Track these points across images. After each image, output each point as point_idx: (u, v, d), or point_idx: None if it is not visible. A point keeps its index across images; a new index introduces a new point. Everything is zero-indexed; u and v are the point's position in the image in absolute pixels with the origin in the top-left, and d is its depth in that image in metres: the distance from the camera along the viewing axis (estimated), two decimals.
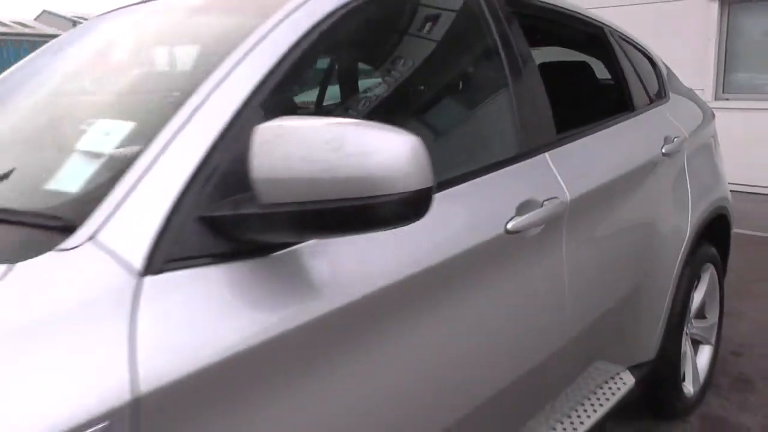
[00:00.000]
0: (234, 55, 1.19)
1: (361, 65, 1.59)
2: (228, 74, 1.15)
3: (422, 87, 1.76)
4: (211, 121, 1.09)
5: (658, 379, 2.42)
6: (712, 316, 2.83)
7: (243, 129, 1.10)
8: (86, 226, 0.96)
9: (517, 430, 1.75)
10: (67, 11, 50.03)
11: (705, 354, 2.80)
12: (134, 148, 1.07)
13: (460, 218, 1.42)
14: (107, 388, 0.86)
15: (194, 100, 1.11)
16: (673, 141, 2.46)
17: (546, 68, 2.44)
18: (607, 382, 2.19)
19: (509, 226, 1.51)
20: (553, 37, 2.66)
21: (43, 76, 1.63)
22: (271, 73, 1.18)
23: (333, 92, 1.49)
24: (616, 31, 2.58)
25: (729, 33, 7.25)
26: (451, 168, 1.48)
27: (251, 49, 1.20)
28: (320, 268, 1.13)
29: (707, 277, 2.72)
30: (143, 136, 1.09)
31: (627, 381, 2.22)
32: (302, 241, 1.10)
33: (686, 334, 2.58)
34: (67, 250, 0.94)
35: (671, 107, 2.70)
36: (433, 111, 1.68)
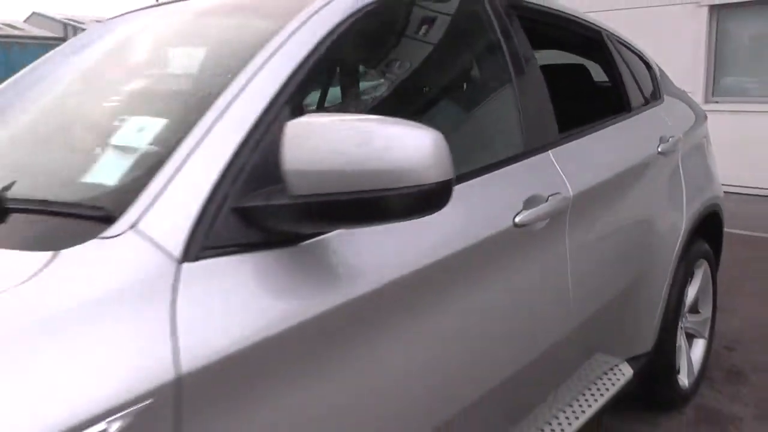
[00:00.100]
0: (260, 56, 1.26)
1: (378, 66, 1.66)
2: (255, 74, 1.22)
3: (434, 88, 1.84)
4: (241, 118, 1.15)
5: (655, 371, 2.50)
6: (706, 311, 2.91)
7: (270, 125, 1.16)
8: (127, 216, 1.02)
9: (521, 419, 1.82)
10: (57, 13, 49.77)
11: (699, 347, 2.88)
12: (167, 144, 1.13)
13: (472, 212, 1.49)
14: (152, 367, 0.91)
15: (224, 99, 1.17)
16: (668, 141, 2.54)
17: (545, 70, 2.51)
18: (606, 373, 2.27)
19: (517, 219, 1.59)
20: (554, 40, 2.74)
21: (70, 74, 1.69)
22: (295, 72, 1.25)
23: (353, 91, 1.55)
24: (613, 34, 2.67)
25: (718, 38, 7.39)
26: (463, 164, 1.55)
27: (276, 50, 1.27)
28: (345, 257, 1.19)
29: (701, 272, 2.81)
30: (176, 133, 1.15)
31: (626, 372, 2.29)
32: (329, 231, 1.17)
33: (681, 327, 2.67)
34: (109, 237, 1.00)
35: (665, 108, 2.79)
36: (445, 110, 1.76)
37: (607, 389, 2.18)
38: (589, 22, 2.52)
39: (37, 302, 0.89)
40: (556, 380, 1.96)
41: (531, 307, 1.70)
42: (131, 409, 0.88)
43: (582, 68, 2.95)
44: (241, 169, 1.11)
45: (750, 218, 5.76)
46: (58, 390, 0.83)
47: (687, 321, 2.76)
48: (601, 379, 2.23)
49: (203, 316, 0.99)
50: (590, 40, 2.57)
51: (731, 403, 2.75)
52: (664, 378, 2.57)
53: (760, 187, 7.02)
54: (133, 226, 1.01)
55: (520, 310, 1.65)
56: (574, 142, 2.00)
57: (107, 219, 1.03)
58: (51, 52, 1.86)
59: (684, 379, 2.70)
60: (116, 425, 0.86)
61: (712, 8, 7.34)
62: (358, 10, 1.43)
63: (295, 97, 1.23)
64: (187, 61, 1.50)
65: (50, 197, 1.15)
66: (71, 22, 49.78)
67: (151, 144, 1.18)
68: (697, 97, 7.13)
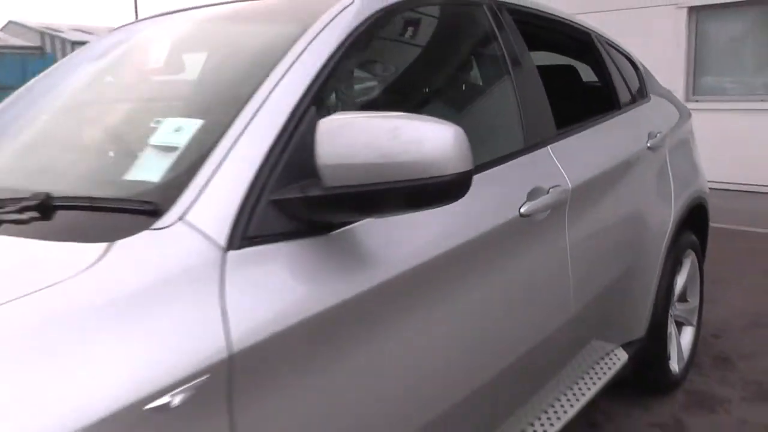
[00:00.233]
0: (286, 59, 1.35)
1: (393, 66, 1.76)
2: (283, 76, 1.31)
3: (443, 88, 1.95)
4: (273, 118, 1.25)
5: (648, 357, 2.62)
6: (694, 300, 3.04)
7: (299, 123, 1.26)
8: (175, 209, 1.11)
9: (527, 400, 1.92)
10: (34, 22, 49.34)
11: (687, 335, 3.00)
12: (206, 143, 1.22)
13: (481, 203, 1.59)
14: (208, 346, 1.00)
15: (256, 100, 1.27)
16: (656, 136, 2.67)
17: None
18: (603, 358, 2.38)
19: (522, 210, 1.70)
20: (547, 42, 2.86)
21: (103, 77, 1.78)
22: (320, 73, 1.35)
23: (371, 89, 1.66)
24: (602, 36, 2.79)
25: (698, 39, 7.59)
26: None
27: (301, 53, 1.36)
28: (370, 246, 1.29)
29: (688, 262, 2.94)
30: (213, 132, 1.24)
31: (621, 357, 2.41)
32: (358, 220, 1.26)
33: (671, 315, 2.79)
34: (160, 229, 1.09)
35: (652, 106, 2.92)
36: (453, 109, 1.87)
37: (605, 373, 2.30)
38: (579, 24, 2.64)
39: (101, 287, 0.97)
40: (558, 364, 2.07)
41: (535, 294, 1.81)
42: (190, 384, 0.97)
43: (571, 69, 3.08)
44: (275, 164, 1.20)
45: (731, 213, 5.93)
46: (129, 367, 0.92)
47: (676, 309, 2.89)
48: (598, 363, 2.34)
49: (248, 300, 1.08)
50: (580, 41, 2.69)
51: (719, 387, 2.87)
52: (656, 363, 2.69)
53: (740, 182, 7.21)
54: (181, 218, 1.10)
55: (526, 296, 1.76)
56: (570, 138, 2.12)
57: (155, 212, 1.12)
58: (75, 55, 1.95)
59: (674, 365, 2.82)
60: (178, 398, 0.95)
61: (692, 10, 7.54)
62: (373, 15, 1.53)
63: (322, 96, 1.32)
64: (216, 64, 1.58)
65: (96, 194, 1.23)
66: (49, 31, 49.36)
67: (190, 143, 1.27)
68: (678, 96, 7.32)
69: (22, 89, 1.93)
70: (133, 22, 1.98)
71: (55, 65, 1.99)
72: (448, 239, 1.46)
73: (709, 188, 3.23)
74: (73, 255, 1.04)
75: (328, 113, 1.21)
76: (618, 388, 2.67)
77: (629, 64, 2.98)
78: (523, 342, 1.77)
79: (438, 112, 1.71)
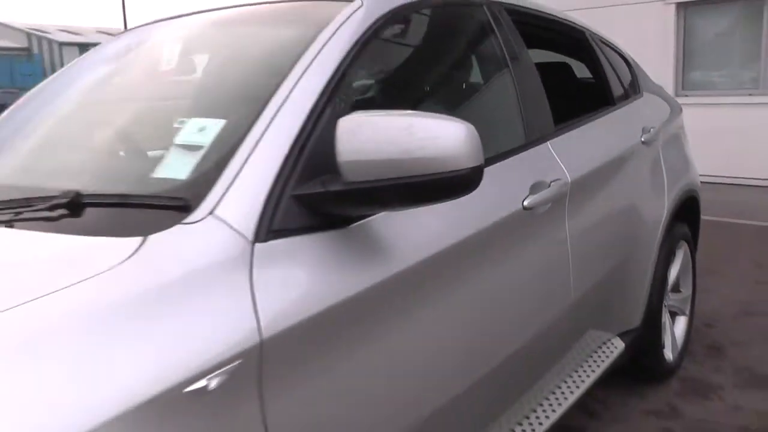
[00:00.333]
0: (302, 61, 1.41)
1: (401, 67, 1.83)
2: (300, 78, 1.38)
3: (447, 87, 2.02)
4: (293, 117, 1.31)
5: (643, 346, 2.70)
6: (687, 290, 3.13)
7: (317, 122, 1.32)
8: (205, 204, 1.17)
9: (530, 387, 2.00)
10: (21, 23, 48.98)
11: (681, 324, 3.09)
12: (230, 142, 1.29)
13: (487, 196, 1.66)
14: (241, 333, 1.07)
15: (276, 101, 1.33)
16: (649, 131, 2.75)
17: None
18: (600, 347, 2.46)
19: (525, 203, 1.77)
20: (544, 41, 2.93)
21: (123, 78, 1.83)
22: (335, 74, 1.41)
23: (381, 89, 1.73)
24: (596, 34, 2.87)
25: (686, 34, 7.70)
26: None
27: (315, 56, 1.43)
28: (386, 238, 1.36)
29: (681, 253, 3.02)
30: (236, 132, 1.30)
31: (618, 346, 2.49)
32: (376, 213, 1.33)
33: (665, 305, 2.87)
34: (192, 223, 1.15)
35: (645, 102, 3.00)
36: (459, 106, 1.94)
37: (603, 361, 2.37)
38: (574, 23, 2.72)
39: (141, 278, 1.03)
40: (559, 352, 2.15)
41: (538, 284, 1.88)
42: (225, 368, 1.03)
43: (566, 66, 3.15)
44: (296, 161, 1.26)
45: (721, 205, 6.04)
46: (169, 352, 0.98)
47: (670, 299, 2.97)
48: (596, 352, 2.42)
49: (275, 290, 1.14)
50: (575, 39, 2.77)
51: (713, 374, 2.96)
52: (651, 352, 2.77)
53: (728, 175, 7.33)
54: (211, 213, 1.16)
55: (530, 286, 1.84)
56: (568, 133, 2.19)
57: (185, 208, 1.18)
58: (89, 55, 2.00)
59: (669, 354, 2.90)
60: (214, 382, 1.01)
61: (679, 6, 7.65)
62: (380, 18, 1.59)
63: (337, 95, 1.39)
64: (234, 67, 1.64)
65: (124, 192, 1.29)
66: (35, 32, 49.10)
67: (215, 142, 1.33)
68: (668, 91, 7.43)
69: (38, 88, 1.99)
70: (146, 24, 2.03)
71: (70, 65, 2.05)
72: (457, 231, 1.53)
73: (702, 182, 3.32)
74: (110, 248, 1.09)
75: (344, 112, 1.27)
76: (614, 378, 2.75)
77: (622, 61, 3.05)
78: (527, 330, 1.85)
79: (445, 110, 1.79)
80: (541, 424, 1.93)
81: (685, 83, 7.79)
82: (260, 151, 1.25)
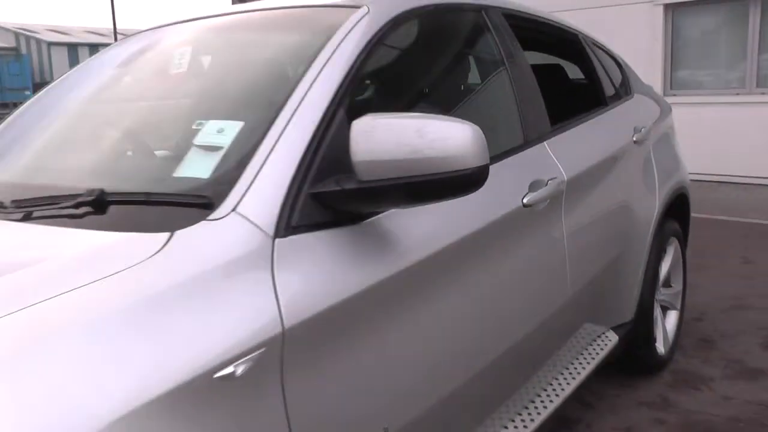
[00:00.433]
0: (314, 66, 1.48)
1: (406, 70, 1.90)
2: (313, 82, 1.44)
3: (449, 89, 2.09)
4: (308, 120, 1.38)
5: (636, 338, 2.78)
6: (677, 285, 3.22)
7: (330, 124, 1.39)
8: (228, 202, 1.24)
9: (529, 377, 2.07)
10: (9, 23, 48.64)
11: (672, 318, 3.18)
12: (248, 143, 1.35)
13: (489, 194, 1.74)
14: (265, 323, 1.13)
15: (292, 104, 1.39)
16: (640, 131, 2.83)
17: None
18: (595, 340, 2.54)
19: (525, 200, 1.85)
20: (539, 43, 3.02)
21: (137, 81, 1.89)
22: (346, 77, 1.48)
23: (388, 91, 1.80)
24: (588, 37, 2.95)
25: (673, 35, 7.83)
26: None
27: (327, 61, 1.49)
28: (396, 234, 1.43)
29: (672, 249, 3.11)
30: (253, 134, 1.37)
31: (612, 338, 2.57)
32: (388, 210, 1.40)
33: (656, 300, 2.96)
34: (216, 219, 1.21)
35: (636, 102, 3.09)
36: (462, 108, 2.01)
37: (597, 353, 2.45)
38: (567, 26, 2.80)
39: (171, 270, 1.09)
40: (556, 345, 2.23)
41: (538, 277, 1.96)
42: (250, 356, 1.10)
43: (558, 67, 3.23)
44: (312, 161, 1.33)
45: (709, 203, 6.16)
46: (200, 340, 1.05)
47: (661, 294, 3.05)
48: (591, 345, 2.50)
49: (295, 282, 1.21)
50: (569, 42, 2.85)
51: (703, 366, 3.05)
52: (644, 345, 2.86)
53: (716, 173, 7.46)
54: (234, 209, 1.22)
55: (530, 280, 1.91)
56: (563, 133, 2.27)
57: (208, 205, 1.24)
58: (100, 57, 2.06)
59: (661, 347, 2.99)
60: (241, 368, 1.08)
61: (667, 7, 7.77)
62: (386, 24, 1.66)
63: (348, 98, 1.46)
64: (247, 71, 1.71)
65: (148, 190, 1.35)
66: (24, 32, 48.81)
67: (234, 143, 1.39)
68: (656, 90, 7.55)
69: (51, 87, 2.04)
70: (160, 26, 2.08)
71: (81, 66, 2.11)
72: (461, 227, 1.61)
73: (691, 180, 3.41)
74: (140, 242, 1.16)
75: (355, 114, 1.34)
76: (609, 371, 2.84)
77: (614, 63, 3.14)
78: (528, 323, 1.92)
79: (449, 111, 1.86)
80: (539, 414, 2.00)
81: (673, 83, 7.92)
82: (278, 152, 1.31)
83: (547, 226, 2.01)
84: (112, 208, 1.31)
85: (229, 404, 1.07)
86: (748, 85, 7.47)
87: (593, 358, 2.42)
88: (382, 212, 1.41)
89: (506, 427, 1.88)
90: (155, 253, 1.11)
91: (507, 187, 1.83)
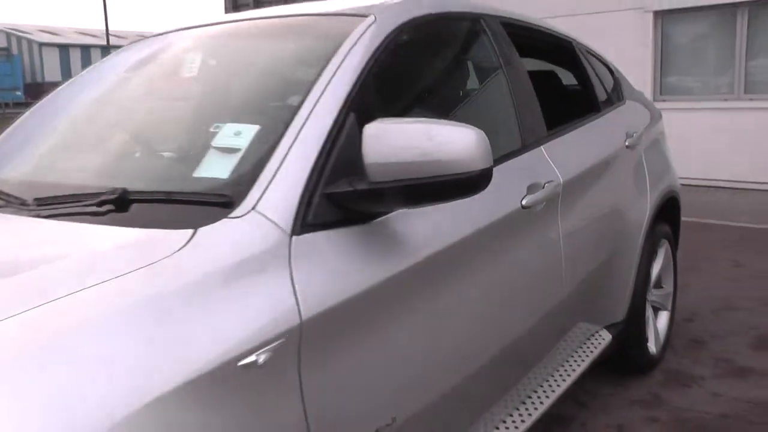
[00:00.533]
0: (326, 72, 1.54)
1: (412, 76, 1.97)
2: (325, 88, 1.51)
3: (453, 95, 2.17)
4: (321, 123, 1.44)
5: (628, 338, 2.86)
6: (668, 286, 3.30)
7: (342, 127, 1.46)
8: (247, 201, 1.30)
9: (525, 374, 2.14)
10: (2, 24, 48.42)
11: (663, 319, 3.26)
12: (265, 145, 1.42)
13: (490, 196, 1.80)
14: (284, 315, 1.20)
15: (305, 109, 1.46)
16: (632, 136, 2.92)
17: None
18: (589, 339, 2.61)
19: (524, 202, 1.92)
20: (535, 51, 3.10)
21: (147, 87, 1.96)
22: (355, 84, 1.54)
23: (396, 96, 1.87)
24: (581, 44, 3.04)
25: (663, 42, 7.96)
26: None
27: (337, 69, 1.56)
28: (404, 233, 1.50)
29: (663, 251, 3.19)
30: (269, 137, 1.43)
31: (605, 337, 2.64)
32: (397, 210, 1.47)
33: (648, 300, 3.04)
34: (237, 217, 1.28)
35: (628, 108, 3.18)
36: (464, 113, 2.09)
37: (591, 351, 2.53)
38: (562, 34, 2.88)
39: (196, 264, 1.16)
40: (552, 342, 2.30)
41: (535, 277, 2.03)
42: (271, 345, 1.16)
43: (552, 74, 3.32)
44: (325, 163, 1.40)
45: (697, 207, 6.26)
46: (225, 330, 1.11)
47: (653, 295, 3.13)
48: (585, 343, 2.57)
49: (311, 278, 1.28)
50: (563, 49, 2.93)
51: (693, 366, 3.13)
52: (636, 344, 2.93)
53: (704, 178, 7.58)
54: (253, 208, 1.29)
55: (528, 279, 1.99)
56: (559, 138, 2.35)
57: (229, 204, 1.30)
58: (114, 59, 2.12)
59: (652, 347, 3.06)
60: (263, 357, 1.15)
61: (657, 14, 7.90)
62: (393, 32, 1.73)
63: (358, 103, 1.52)
64: (262, 77, 1.77)
65: (170, 190, 1.42)
66: (15, 32, 48.59)
67: (251, 145, 1.46)
68: (646, 96, 7.67)
69: (57, 91, 2.10)
70: (173, 31, 2.14)
71: (91, 69, 2.16)
72: (465, 227, 1.68)
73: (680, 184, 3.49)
74: (165, 238, 1.22)
75: (365, 119, 1.41)
76: (602, 370, 2.91)
77: (606, 70, 3.22)
78: (526, 319, 1.99)
79: (453, 116, 1.93)
80: (536, 409, 2.07)
81: (662, 88, 8.05)
82: (294, 154, 1.38)
83: (544, 227, 2.09)
84: (134, 207, 1.37)
85: (251, 391, 1.13)
86: (736, 92, 7.60)
87: (587, 356, 2.49)
88: (391, 212, 1.48)
89: (506, 420, 1.95)
90: (181, 248, 1.17)
91: (507, 189, 1.90)
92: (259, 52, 1.88)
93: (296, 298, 1.23)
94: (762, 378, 2.97)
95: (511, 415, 2.00)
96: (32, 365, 0.92)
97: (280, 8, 2.05)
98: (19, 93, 36.34)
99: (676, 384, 2.96)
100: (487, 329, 1.80)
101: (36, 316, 0.99)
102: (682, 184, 3.65)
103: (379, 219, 1.46)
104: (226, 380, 1.08)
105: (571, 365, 2.41)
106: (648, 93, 7.72)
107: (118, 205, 1.35)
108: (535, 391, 2.18)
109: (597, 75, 3.05)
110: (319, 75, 1.54)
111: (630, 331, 2.85)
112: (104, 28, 29.65)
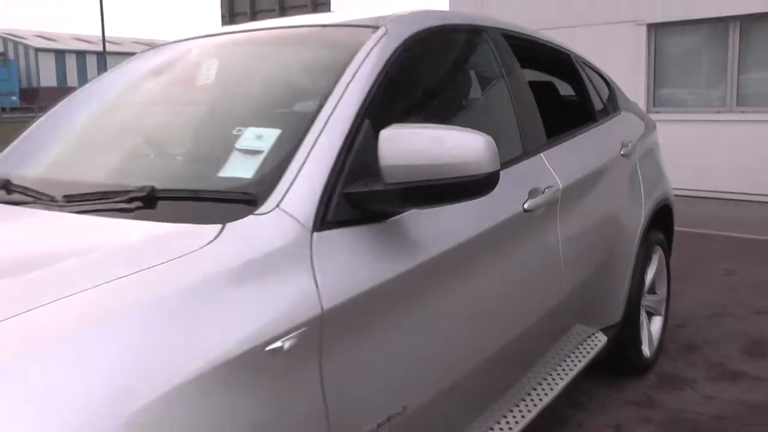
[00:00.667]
0: (342, 80, 1.63)
1: (421, 85, 2.07)
2: (342, 94, 1.60)
3: (459, 103, 2.26)
4: (339, 128, 1.53)
5: (623, 340, 2.95)
6: (662, 292, 3.39)
7: (358, 132, 1.54)
8: (271, 199, 1.39)
9: (525, 372, 2.22)
10: None
11: (657, 323, 3.35)
12: (286, 148, 1.50)
13: (494, 199, 1.89)
14: (307, 305, 1.29)
15: (324, 114, 1.55)
16: (627, 145, 3.02)
17: None
18: (585, 341, 2.70)
19: (525, 206, 2.01)
20: (535, 63, 3.20)
21: (170, 92, 2.05)
22: (369, 92, 1.63)
23: (407, 104, 1.96)
24: (579, 56, 3.14)
25: (656, 54, 8.11)
26: None
27: (353, 77, 1.65)
28: (415, 232, 1.59)
29: (657, 258, 3.29)
30: (290, 139, 1.52)
31: (601, 339, 2.73)
32: (410, 209, 1.55)
33: (642, 305, 3.13)
34: (262, 214, 1.36)
35: (623, 118, 3.28)
36: (471, 120, 2.18)
37: (588, 352, 2.61)
38: (560, 46, 2.98)
39: (226, 256, 1.24)
40: (550, 342, 2.38)
41: (535, 278, 2.12)
42: (295, 333, 1.25)
43: (550, 85, 3.42)
44: (343, 165, 1.49)
45: (690, 217, 6.37)
46: (254, 317, 1.20)
47: (647, 300, 3.22)
48: (582, 344, 2.66)
49: (331, 271, 1.36)
50: (562, 61, 3.04)
51: (687, 369, 3.21)
52: (631, 346, 3.02)
53: (697, 189, 7.70)
54: (277, 206, 1.38)
55: (529, 279, 2.08)
56: (557, 146, 2.44)
57: (253, 202, 1.39)
58: (133, 64, 2.21)
59: (646, 350, 3.15)
60: (288, 343, 1.23)
61: (650, 27, 8.05)
62: (402, 43, 1.82)
63: (373, 110, 1.61)
64: (281, 84, 1.86)
65: (198, 188, 1.50)
66: (11, 37, 48.64)
67: (273, 148, 1.54)
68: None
69: (76, 93, 2.18)
70: (190, 38, 2.23)
71: (109, 73, 2.25)
72: (472, 228, 1.77)
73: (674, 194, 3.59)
74: (195, 233, 1.30)
75: (379, 124, 1.50)
76: (597, 372, 3.00)
77: (602, 81, 3.33)
78: (526, 319, 2.08)
79: (460, 122, 2.02)
80: (535, 405, 2.15)
81: (656, 100, 8.19)
82: (314, 156, 1.47)
83: (544, 230, 2.18)
84: (162, 204, 1.45)
85: (276, 375, 1.21)
86: (728, 104, 7.74)
87: (584, 356, 2.57)
88: (404, 212, 1.57)
89: (505, 417, 2.03)
90: (210, 242, 1.26)
91: (510, 193, 2.00)
92: (277, 60, 1.98)
93: (317, 290, 1.31)
94: (754, 382, 3.06)
95: (512, 411, 2.08)
96: (78, 346, 1.00)
97: (295, 18, 2.15)
98: (14, 98, 36.37)
99: (670, 386, 3.04)
100: (490, 326, 1.89)
101: (80, 301, 1.07)
102: (677, 195, 3.75)
103: (392, 218, 1.54)
104: (253, 365, 1.16)
105: (568, 365, 2.49)
106: (641, 104, 7.86)
107: (147, 202, 1.43)
108: (534, 389, 2.26)
109: (594, 86, 3.15)
110: (335, 82, 1.63)
111: (625, 334, 2.93)
112: (100, 34, 29.73)
